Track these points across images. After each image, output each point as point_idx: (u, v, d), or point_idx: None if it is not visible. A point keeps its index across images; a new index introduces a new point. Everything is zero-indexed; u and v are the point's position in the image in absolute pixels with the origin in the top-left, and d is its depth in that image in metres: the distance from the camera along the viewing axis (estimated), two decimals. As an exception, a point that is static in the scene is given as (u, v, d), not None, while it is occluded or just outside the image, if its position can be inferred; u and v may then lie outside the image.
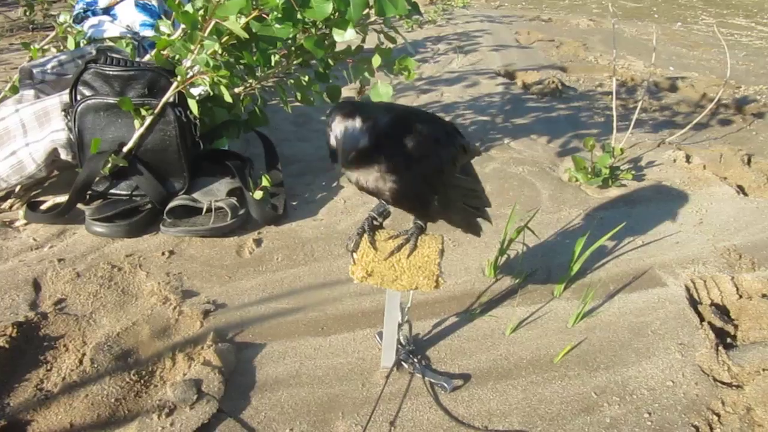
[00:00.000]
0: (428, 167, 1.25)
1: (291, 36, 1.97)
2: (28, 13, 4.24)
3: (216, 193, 2.14)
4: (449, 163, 1.33)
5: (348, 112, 1.12)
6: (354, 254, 1.38)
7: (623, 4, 6.68)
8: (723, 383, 1.57)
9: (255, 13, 1.89)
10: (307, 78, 2.28)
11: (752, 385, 1.55)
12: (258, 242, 2.08)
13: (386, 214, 1.42)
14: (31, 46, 2.65)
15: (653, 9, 6.49)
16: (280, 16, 1.87)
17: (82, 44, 2.64)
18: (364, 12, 1.87)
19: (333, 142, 1.13)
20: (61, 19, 2.79)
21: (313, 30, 2.09)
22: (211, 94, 2.05)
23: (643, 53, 4.57)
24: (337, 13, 1.89)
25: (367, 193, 1.26)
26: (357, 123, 1.12)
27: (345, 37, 1.95)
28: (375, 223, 1.41)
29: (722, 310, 1.88)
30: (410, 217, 1.38)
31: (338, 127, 1.12)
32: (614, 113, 2.72)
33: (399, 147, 1.20)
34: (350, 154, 1.12)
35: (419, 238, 1.37)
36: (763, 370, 1.59)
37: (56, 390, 1.44)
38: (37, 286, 1.80)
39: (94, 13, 2.96)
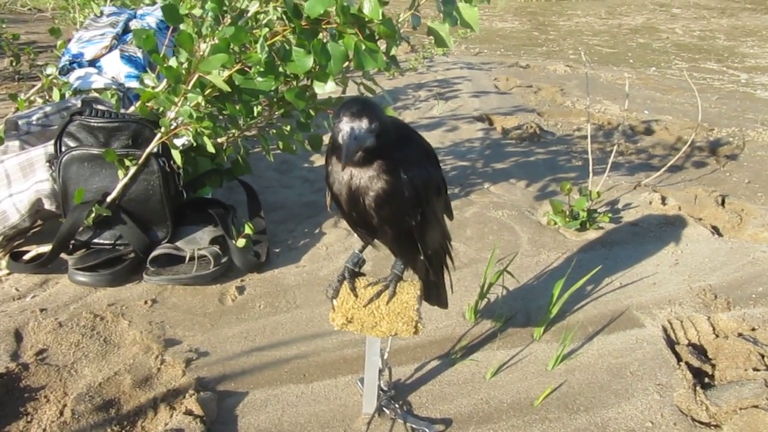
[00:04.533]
0: (419, 178, 1.27)
1: (273, 88, 2.03)
2: (14, 64, 4.29)
3: (199, 242, 2.16)
4: (436, 187, 1.36)
5: (357, 111, 1.17)
6: (334, 301, 1.41)
7: (599, 49, 6.87)
8: (701, 423, 1.60)
9: (238, 67, 1.94)
10: (289, 127, 2.33)
11: (730, 425, 1.58)
12: (240, 290, 2.09)
13: (361, 263, 1.44)
14: (18, 98, 2.69)
15: (628, 54, 6.68)
16: (262, 69, 1.92)
17: (67, 96, 2.68)
18: (344, 65, 1.93)
19: (339, 138, 1.17)
20: (48, 71, 2.84)
21: (294, 82, 2.15)
22: (195, 144, 2.09)
23: (619, 98, 4.69)
24: (317, 67, 1.95)
25: (348, 197, 1.27)
26: (364, 123, 1.16)
27: (325, 89, 2.01)
28: (356, 270, 1.44)
29: (699, 350, 1.91)
30: (389, 265, 1.41)
31: (347, 125, 1.16)
32: (590, 157, 2.79)
33: (398, 152, 1.24)
34: (356, 152, 1.17)
35: (398, 284, 1.40)
36: (741, 409, 1.61)
37: (36, 443, 1.44)
38: (18, 336, 1.80)
39: (80, 65, 3.01)
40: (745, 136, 3.91)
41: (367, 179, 1.22)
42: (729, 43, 7.46)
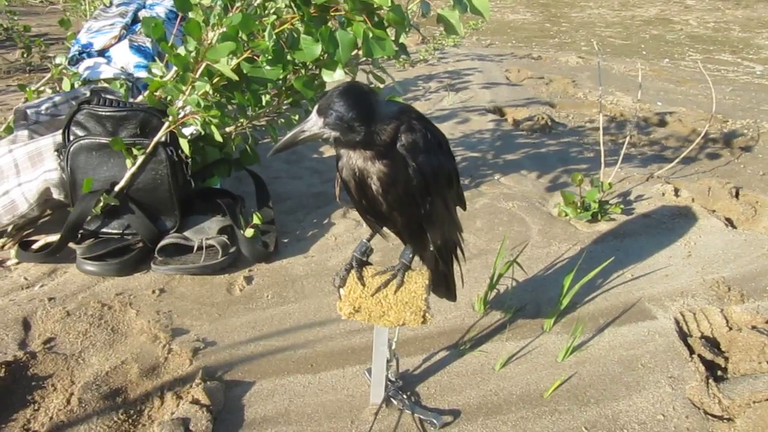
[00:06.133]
0: (428, 165, 1.24)
1: (281, 77, 2.01)
2: (25, 55, 4.31)
3: (207, 231, 2.16)
4: (446, 176, 1.33)
5: (353, 88, 1.16)
6: (341, 290, 1.39)
7: (612, 41, 6.80)
8: (714, 416, 1.57)
9: (246, 55, 1.93)
10: (297, 117, 2.32)
11: (743, 418, 1.55)
12: (248, 280, 2.09)
13: (369, 252, 1.43)
14: (27, 88, 2.69)
15: (641, 46, 6.61)
16: (270, 57, 1.91)
17: (76, 85, 2.68)
18: (353, 53, 1.91)
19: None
20: (57, 61, 2.84)
21: (302, 71, 2.14)
22: (203, 133, 2.08)
23: (632, 89, 4.64)
24: (326, 55, 1.93)
25: (356, 183, 1.25)
26: (321, 121, 1.16)
27: (334, 78, 1.99)
28: (363, 259, 1.42)
29: (712, 343, 1.88)
30: (397, 255, 1.39)
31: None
32: (602, 148, 2.75)
33: (408, 138, 1.21)
34: (347, 125, 1.15)
35: (406, 273, 1.38)
36: (754, 402, 1.59)
37: (43, 430, 1.44)
38: (26, 325, 1.80)
39: (90, 55, 3.01)
40: (759, 128, 3.85)
41: (374, 164, 1.21)
42: (744, 34, 7.37)
